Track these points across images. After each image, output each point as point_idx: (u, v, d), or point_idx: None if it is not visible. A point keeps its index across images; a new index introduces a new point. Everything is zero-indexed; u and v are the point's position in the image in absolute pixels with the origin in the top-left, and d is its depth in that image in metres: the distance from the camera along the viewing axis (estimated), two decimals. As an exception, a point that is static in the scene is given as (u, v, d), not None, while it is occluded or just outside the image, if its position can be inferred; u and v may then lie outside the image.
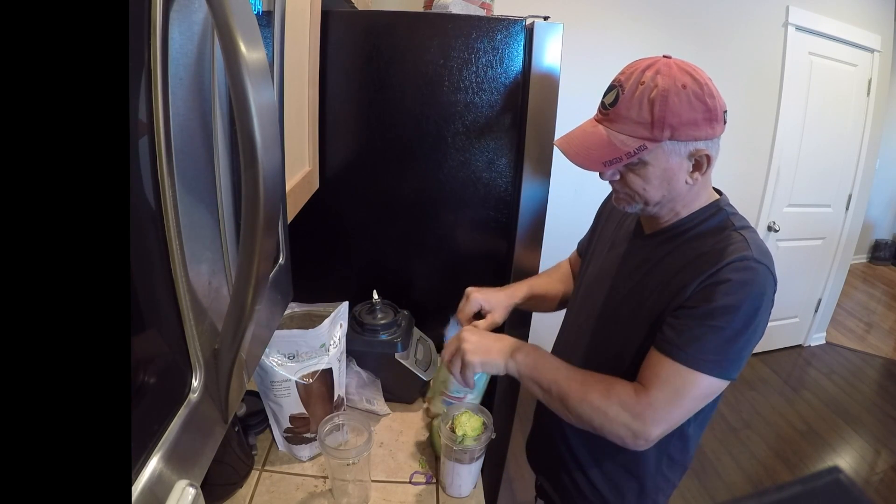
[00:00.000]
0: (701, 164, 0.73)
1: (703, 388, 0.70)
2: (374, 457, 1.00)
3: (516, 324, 1.19)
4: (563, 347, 0.98)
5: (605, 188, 0.91)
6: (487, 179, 1.22)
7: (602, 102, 0.74)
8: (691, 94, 0.68)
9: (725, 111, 0.72)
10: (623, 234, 0.91)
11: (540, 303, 1.09)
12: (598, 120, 0.75)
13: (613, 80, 0.74)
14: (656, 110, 0.68)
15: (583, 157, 0.74)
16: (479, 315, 0.99)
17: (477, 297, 0.99)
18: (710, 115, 0.69)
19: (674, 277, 0.75)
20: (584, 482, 0.92)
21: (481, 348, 0.82)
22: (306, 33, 0.89)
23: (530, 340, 1.34)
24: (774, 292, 0.71)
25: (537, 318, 1.29)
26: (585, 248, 1.05)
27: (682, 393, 0.70)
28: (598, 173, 0.76)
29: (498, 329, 0.99)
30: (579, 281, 1.01)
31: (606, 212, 1.01)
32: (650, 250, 0.83)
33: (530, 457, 1.10)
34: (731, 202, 0.82)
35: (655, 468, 0.85)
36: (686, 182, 0.74)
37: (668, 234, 0.81)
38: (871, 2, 2.61)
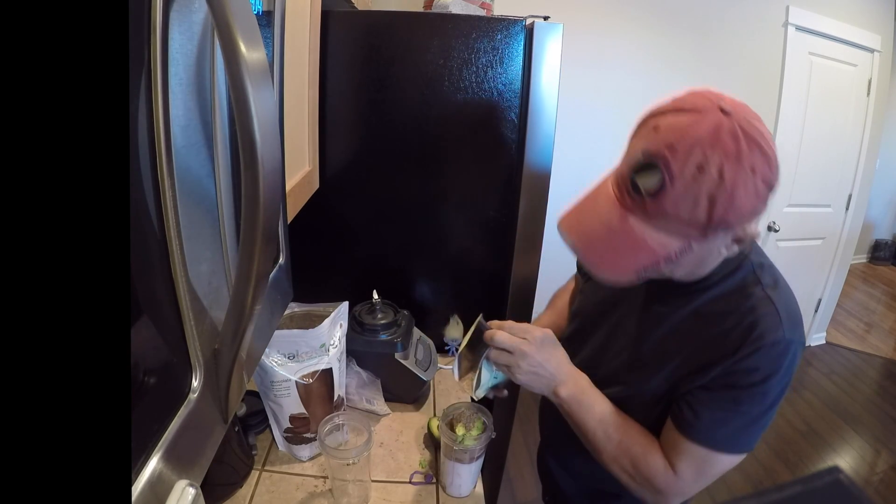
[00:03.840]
0: (743, 240, 0.60)
1: (725, 464, 0.67)
2: (374, 457, 1.00)
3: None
4: None
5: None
6: (487, 179, 1.22)
7: (633, 182, 0.55)
8: (760, 178, 0.53)
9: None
10: None
11: None
12: (625, 206, 0.57)
13: (654, 153, 0.53)
14: (717, 210, 0.52)
15: (609, 265, 0.59)
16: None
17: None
18: (771, 192, 0.55)
19: (695, 350, 0.67)
20: None
21: (534, 374, 0.72)
22: (306, 33, 0.89)
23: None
24: (801, 356, 0.65)
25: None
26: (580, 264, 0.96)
27: (705, 471, 0.67)
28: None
29: None
30: (577, 308, 0.92)
31: None
32: (664, 303, 0.73)
33: (540, 468, 1.08)
34: None
35: None
36: (720, 252, 0.62)
37: (686, 288, 0.70)
38: (871, 2, 2.61)
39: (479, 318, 0.79)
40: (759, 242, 2.75)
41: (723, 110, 0.53)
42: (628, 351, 0.76)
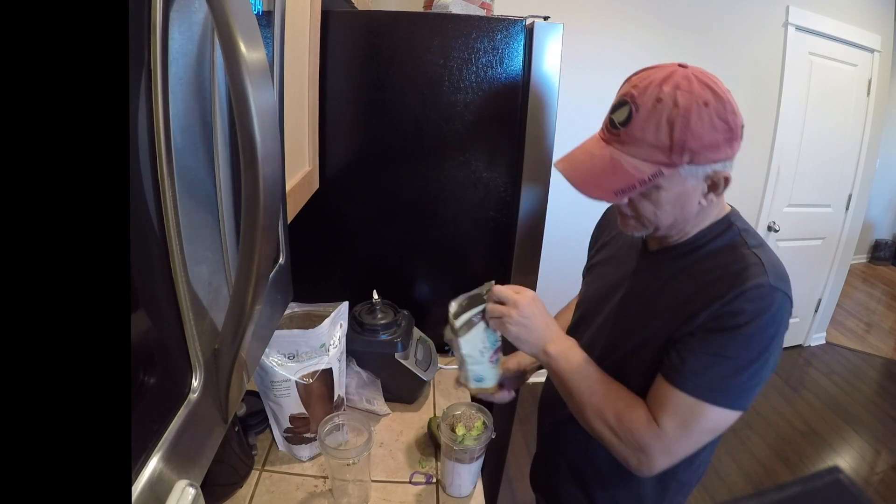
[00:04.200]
0: (717, 185, 0.67)
1: (711, 420, 0.67)
2: (374, 457, 1.00)
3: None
4: None
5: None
6: (487, 179, 1.22)
7: (610, 119, 0.67)
8: (714, 113, 0.61)
9: (743, 126, 0.66)
10: (626, 251, 0.86)
11: None
12: (605, 140, 0.68)
13: (623, 94, 0.66)
14: (676, 133, 0.61)
15: (591, 185, 0.67)
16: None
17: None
18: (732, 134, 0.63)
19: (684, 302, 0.70)
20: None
21: (524, 326, 0.77)
22: (306, 33, 0.89)
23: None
24: (790, 315, 0.67)
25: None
26: (586, 268, 1.00)
27: (689, 425, 0.67)
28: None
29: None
30: (581, 298, 0.96)
31: (607, 230, 0.96)
32: (657, 269, 0.78)
33: (533, 478, 1.08)
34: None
35: (664, 493, 0.83)
36: (700, 203, 0.69)
37: (676, 252, 0.76)
38: (871, 2, 2.61)
39: (492, 282, 0.82)
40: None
41: (681, 65, 0.65)
42: (625, 317, 0.80)
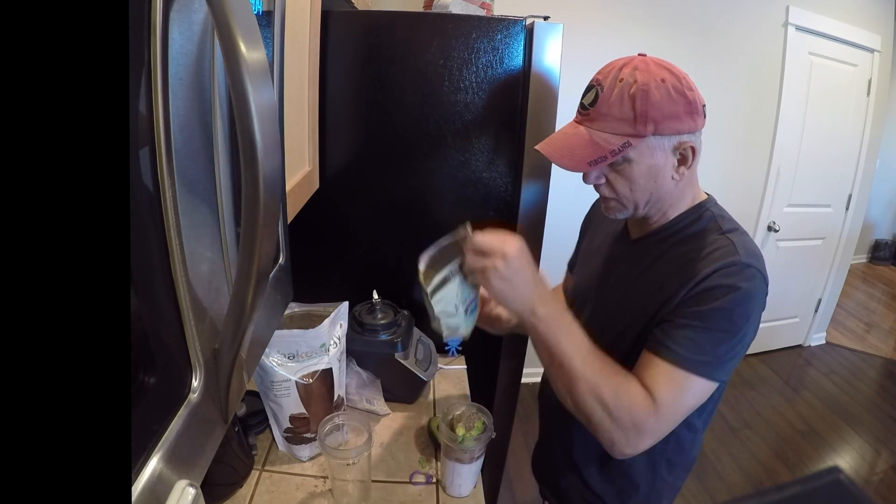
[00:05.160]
0: (686, 157, 0.72)
1: (695, 390, 0.70)
2: (374, 457, 1.00)
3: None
4: None
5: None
6: (487, 179, 1.22)
7: (581, 103, 0.74)
8: (671, 87, 0.68)
9: (704, 105, 0.72)
10: (610, 241, 0.90)
11: None
12: (578, 122, 0.74)
13: (591, 81, 0.73)
14: (638, 105, 0.67)
15: (567, 157, 0.72)
16: None
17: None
18: (691, 107, 0.69)
19: (662, 286, 0.73)
20: (583, 487, 0.91)
21: (510, 282, 0.67)
22: (306, 33, 0.89)
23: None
24: (766, 293, 0.70)
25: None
26: (573, 261, 1.04)
27: (679, 397, 0.69)
28: (582, 177, 0.75)
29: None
30: (570, 291, 1.00)
31: (594, 221, 1.01)
32: (637, 256, 0.81)
33: (534, 465, 1.09)
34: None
35: (654, 472, 0.85)
36: (672, 178, 0.73)
37: (655, 238, 0.79)
38: (871, 2, 2.61)
39: (466, 224, 0.71)
40: (759, 242, 2.75)
41: (640, 55, 0.72)
42: (609, 306, 0.84)
